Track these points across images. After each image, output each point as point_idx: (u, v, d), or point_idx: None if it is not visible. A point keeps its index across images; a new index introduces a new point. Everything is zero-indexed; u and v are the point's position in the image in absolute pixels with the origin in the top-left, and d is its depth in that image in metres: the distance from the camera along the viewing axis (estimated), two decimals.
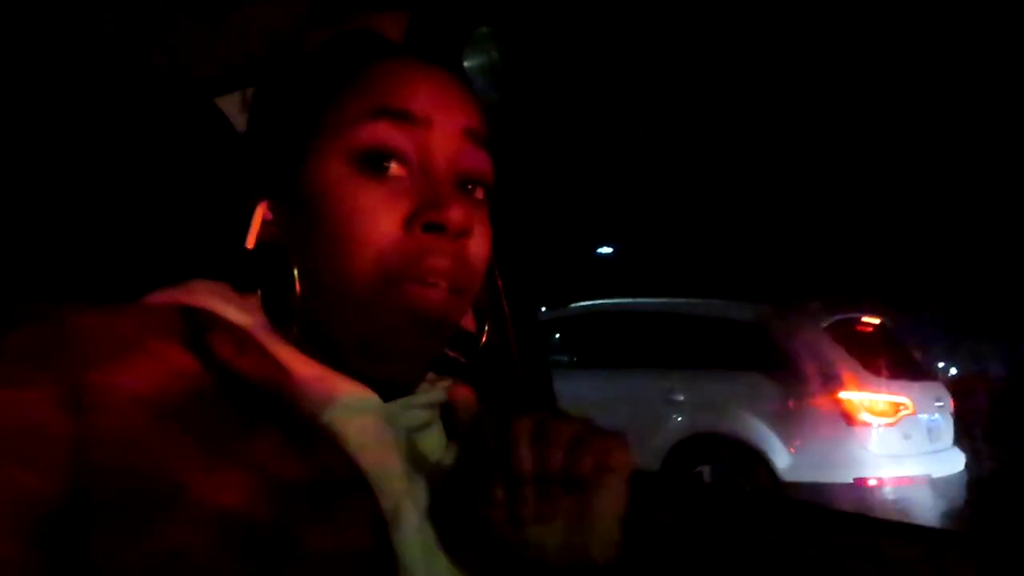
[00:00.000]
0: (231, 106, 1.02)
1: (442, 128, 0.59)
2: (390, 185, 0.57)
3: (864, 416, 4.58)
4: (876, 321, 5.34)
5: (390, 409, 0.60)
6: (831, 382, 4.64)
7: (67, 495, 0.46)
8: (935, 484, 4.84)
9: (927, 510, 4.67)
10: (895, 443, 4.65)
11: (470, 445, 0.57)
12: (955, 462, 5.12)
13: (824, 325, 4.91)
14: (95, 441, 0.47)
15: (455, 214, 0.56)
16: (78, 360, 0.50)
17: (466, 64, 1.08)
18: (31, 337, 0.51)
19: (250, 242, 0.60)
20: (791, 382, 4.73)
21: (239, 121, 0.77)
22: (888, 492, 4.59)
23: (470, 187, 0.61)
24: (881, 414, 4.63)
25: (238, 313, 0.59)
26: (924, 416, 4.89)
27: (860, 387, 4.66)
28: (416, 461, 0.60)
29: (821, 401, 4.66)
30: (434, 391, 0.65)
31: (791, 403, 4.71)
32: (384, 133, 0.57)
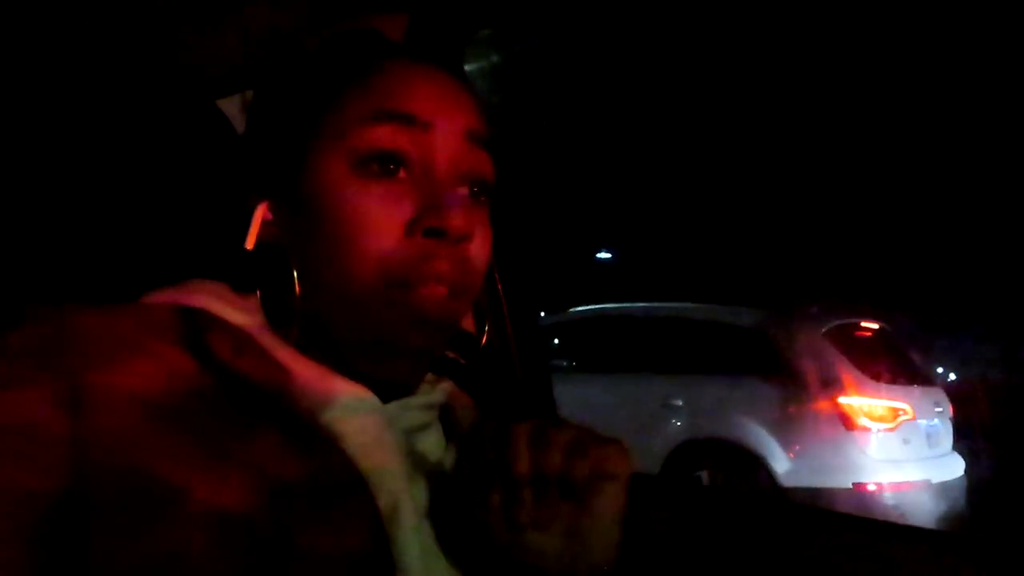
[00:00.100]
0: (232, 107, 1.02)
1: (444, 130, 0.59)
2: (392, 187, 0.57)
3: (863, 421, 4.58)
4: (875, 326, 5.34)
5: (389, 410, 0.60)
6: (830, 387, 4.64)
7: (66, 495, 0.46)
8: (934, 489, 4.84)
9: (926, 515, 4.66)
10: (894, 448, 4.65)
11: (469, 450, 0.57)
12: (954, 467, 5.12)
13: (823, 330, 4.91)
14: (94, 441, 0.47)
15: (457, 219, 0.56)
16: (77, 360, 0.50)
17: (467, 67, 1.08)
18: (30, 337, 0.51)
19: (250, 242, 0.60)
20: (790, 387, 4.72)
21: (239, 122, 0.77)
22: (887, 497, 4.59)
23: (471, 189, 0.61)
24: (880, 419, 4.63)
25: (237, 313, 0.59)
26: (923, 421, 4.89)
27: (859, 392, 4.66)
28: (415, 462, 0.60)
29: (820, 406, 4.66)
30: (433, 392, 0.65)
31: (790, 408, 4.71)
32: (386, 135, 0.57)
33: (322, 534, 0.51)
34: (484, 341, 0.69)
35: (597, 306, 6.26)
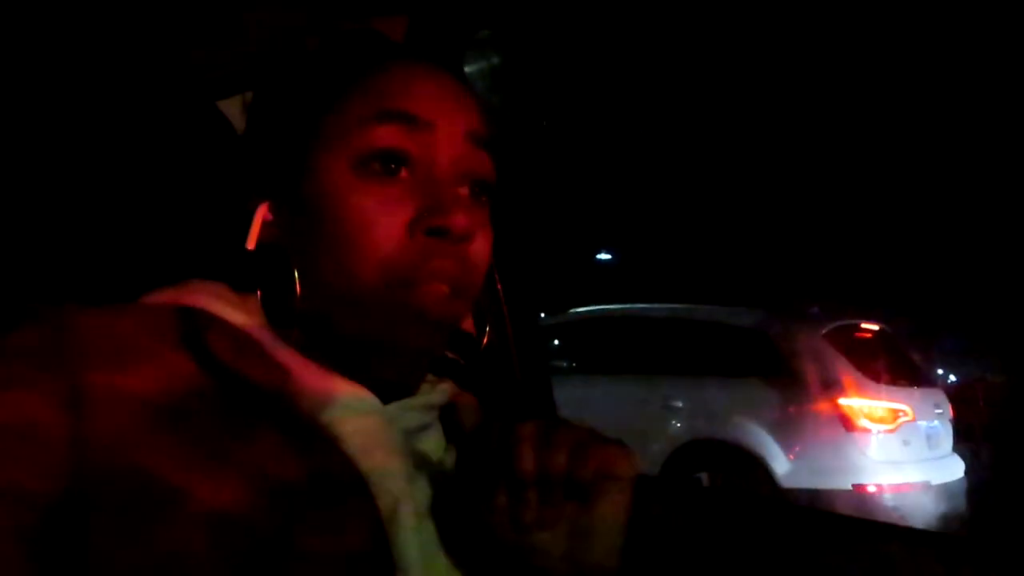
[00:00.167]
0: (232, 108, 1.02)
1: (446, 131, 0.59)
2: (394, 188, 0.57)
3: (863, 422, 4.58)
4: (876, 327, 5.34)
5: (389, 410, 0.60)
6: (830, 388, 4.64)
7: (66, 496, 0.46)
8: (934, 491, 4.84)
9: (926, 517, 4.66)
10: (894, 449, 4.64)
11: (473, 450, 0.57)
12: (954, 469, 5.12)
13: (824, 331, 4.91)
14: (94, 442, 0.47)
15: (458, 219, 0.56)
16: (78, 360, 0.50)
17: (467, 68, 1.08)
18: (31, 337, 0.51)
19: (251, 243, 0.60)
20: (790, 388, 4.72)
21: (240, 123, 0.77)
22: (887, 498, 4.58)
23: (472, 190, 0.61)
24: (880, 420, 4.63)
25: (237, 314, 0.59)
26: (923, 423, 4.89)
27: (859, 393, 4.65)
28: (415, 462, 0.60)
29: (820, 407, 4.65)
30: (434, 393, 0.65)
31: (790, 409, 4.71)
32: (389, 136, 0.57)
33: (322, 534, 0.51)
34: (485, 342, 0.69)
35: (597, 307, 6.26)
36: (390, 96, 0.58)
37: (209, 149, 0.76)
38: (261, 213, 0.61)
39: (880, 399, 4.70)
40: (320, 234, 0.57)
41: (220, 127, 0.78)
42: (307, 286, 0.58)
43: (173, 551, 0.47)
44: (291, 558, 0.49)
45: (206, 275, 0.63)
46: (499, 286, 1.07)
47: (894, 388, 4.84)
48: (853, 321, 5.25)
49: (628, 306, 6.02)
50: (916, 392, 5.03)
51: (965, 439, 5.72)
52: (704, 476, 4.84)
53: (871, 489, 4.53)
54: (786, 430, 4.67)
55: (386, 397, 0.60)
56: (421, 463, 0.61)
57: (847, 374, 4.70)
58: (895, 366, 5.16)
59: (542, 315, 6.01)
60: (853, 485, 4.51)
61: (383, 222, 0.56)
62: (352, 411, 0.57)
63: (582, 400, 4.95)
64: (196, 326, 0.56)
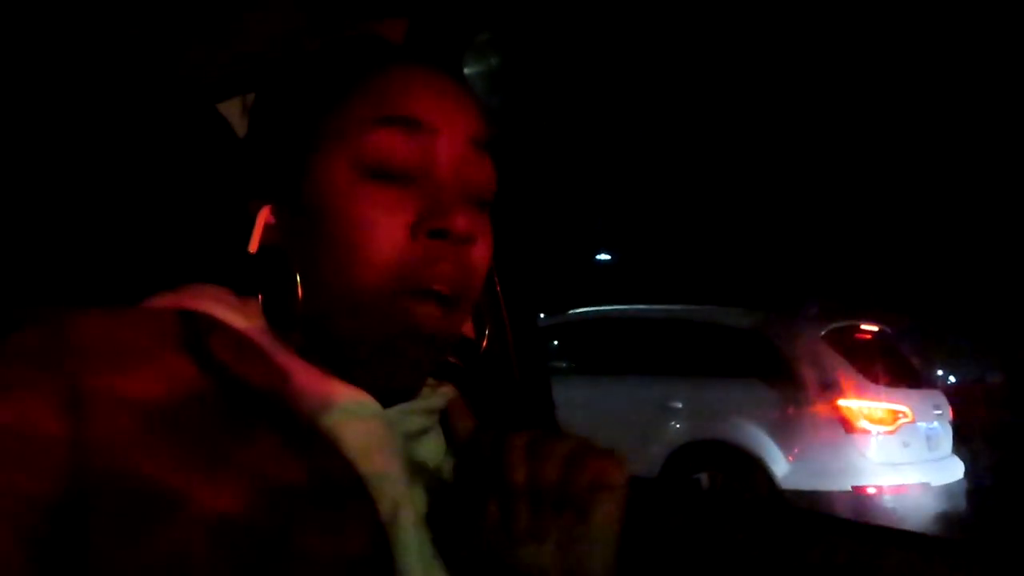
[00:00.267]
0: (231, 111, 1.02)
1: (448, 136, 0.59)
2: (396, 192, 0.57)
3: (863, 424, 4.58)
4: (875, 329, 5.34)
5: (389, 414, 0.60)
6: (830, 389, 4.64)
7: (66, 498, 0.46)
8: (934, 492, 4.84)
9: (925, 518, 4.66)
10: (894, 451, 4.65)
11: (467, 459, 0.57)
12: (954, 470, 5.12)
13: (823, 332, 4.92)
14: (94, 445, 0.47)
15: (460, 221, 0.56)
16: (78, 363, 0.50)
17: (466, 70, 1.08)
18: (31, 340, 0.51)
19: (253, 246, 0.60)
20: (790, 389, 4.72)
21: (240, 126, 0.77)
22: (887, 500, 4.59)
23: (474, 194, 0.61)
24: (880, 422, 4.63)
25: (238, 317, 0.59)
26: (923, 424, 4.89)
27: (859, 395, 4.66)
28: (415, 466, 0.60)
29: (820, 408, 4.66)
30: (434, 397, 0.65)
31: (789, 410, 4.71)
32: (391, 141, 0.57)
33: (322, 538, 0.51)
34: (484, 345, 0.69)
35: (596, 308, 6.27)
36: (392, 100, 0.58)
37: (208, 152, 0.76)
38: (263, 216, 0.60)
39: (879, 400, 4.71)
40: (322, 237, 0.57)
41: (220, 129, 0.78)
42: (308, 289, 0.58)
43: (173, 553, 0.47)
44: (291, 561, 0.49)
45: (207, 279, 0.63)
46: (498, 288, 1.07)
47: (893, 389, 4.84)
48: (852, 322, 5.25)
49: (627, 307, 6.03)
50: (916, 393, 5.04)
51: (965, 440, 5.72)
52: (703, 477, 4.84)
53: (870, 491, 4.53)
54: (785, 431, 4.68)
55: (387, 401, 0.60)
56: (421, 467, 0.61)
57: (846, 375, 4.70)
58: (894, 367, 5.16)
59: (541, 316, 6.01)
60: (852, 487, 4.52)
61: (385, 225, 0.56)
62: (352, 415, 0.57)
63: (581, 401, 4.96)
64: (197, 329, 0.56)
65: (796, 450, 4.64)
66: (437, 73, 0.61)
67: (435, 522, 0.59)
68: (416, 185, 0.58)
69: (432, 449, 0.63)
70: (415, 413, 0.63)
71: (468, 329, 0.65)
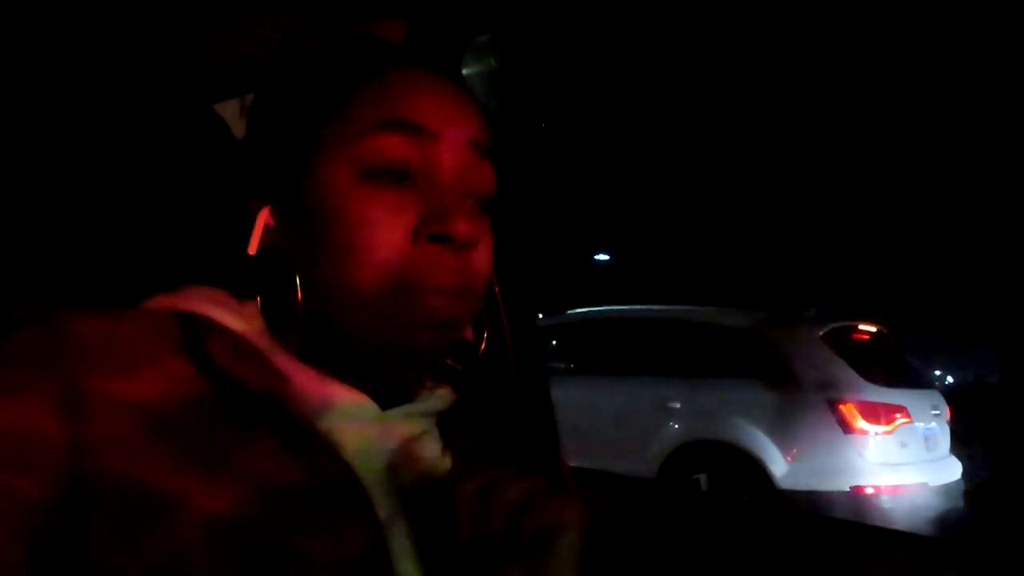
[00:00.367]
0: (229, 111, 1.02)
1: (450, 140, 0.59)
2: (397, 195, 0.57)
3: (861, 424, 4.58)
4: (873, 329, 5.35)
5: (387, 417, 0.60)
6: (828, 390, 4.64)
7: (65, 500, 0.46)
8: (932, 492, 4.85)
9: (923, 519, 4.67)
10: (892, 451, 4.65)
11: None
12: (952, 470, 5.13)
13: (821, 333, 4.92)
14: (93, 447, 0.47)
15: (462, 226, 0.56)
16: (77, 365, 0.50)
17: (465, 72, 1.08)
18: (30, 341, 0.51)
19: (252, 247, 0.60)
20: (788, 390, 4.73)
21: (237, 127, 0.77)
22: (885, 500, 4.59)
23: (475, 199, 0.61)
24: (878, 422, 4.63)
25: (236, 319, 0.59)
26: (921, 424, 4.90)
27: (857, 395, 4.66)
28: (413, 469, 0.60)
29: (818, 409, 4.66)
30: (432, 399, 0.65)
31: (788, 411, 4.71)
32: (393, 145, 0.57)
33: (320, 540, 0.51)
34: (483, 348, 0.69)
35: (595, 308, 6.27)
36: (393, 104, 0.58)
37: (206, 153, 0.76)
38: (263, 218, 0.60)
39: (878, 401, 4.71)
40: (323, 240, 0.57)
41: (218, 130, 0.78)
42: (308, 291, 0.58)
43: (172, 554, 0.47)
44: (289, 563, 0.50)
45: (204, 280, 0.62)
46: (496, 290, 1.07)
47: (892, 390, 4.85)
48: (850, 322, 5.26)
49: (625, 307, 6.03)
50: (914, 394, 5.04)
51: (963, 441, 5.72)
52: (702, 478, 4.85)
53: (869, 491, 4.54)
54: (784, 432, 4.68)
55: (385, 403, 0.60)
56: (419, 470, 0.61)
57: (845, 375, 4.71)
58: (893, 367, 5.17)
59: (540, 316, 6.02)
60: (851, 487, 4.52)
61: (386, 227, 0.56)
62: (351, 417, 0.57)
63: (580, 402, 4.97)
64: (195, 331, 0.56)
65: (794, 450, 4.65)
66: (438, 76, 0.61)
67: (432, 525, 0.59)
68: (417, 189, 0.57)
69: (430, 451, 0.63)
70: (413, 416, 0.63)
71: (466, 332, 0.65)
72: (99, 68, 0.85)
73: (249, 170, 0.64)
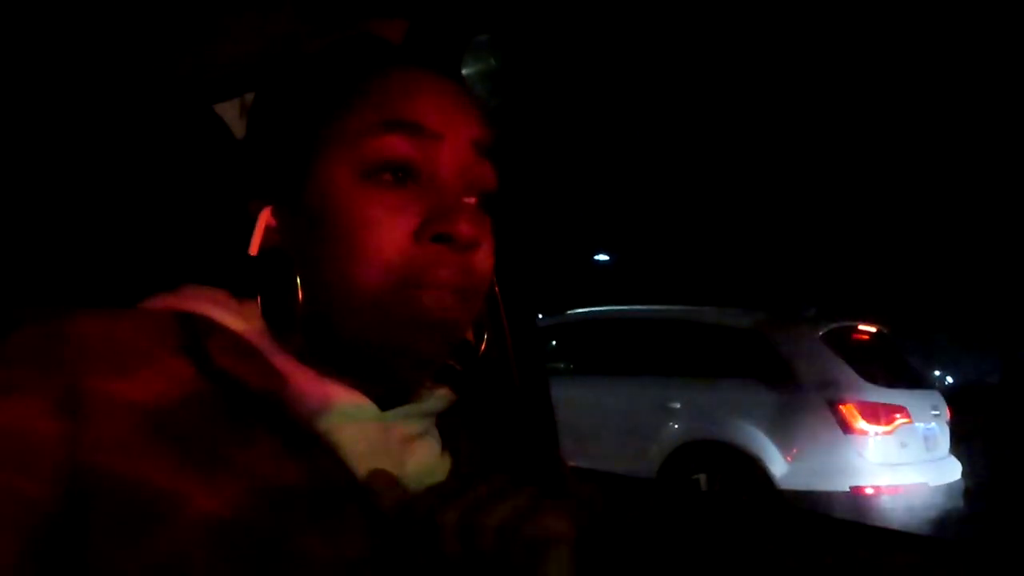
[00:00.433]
0: (229, 111, 1.02)
1: (452, 141, 0.59)
2: (400, 196, 0.57)
3: (861, 424, 4.59)
4: (873, 329, 5.35)
5: (387, 417, 0.60)
6: (828, 390, 4.65)
7: (65, 500, 0.46)
8: (931, 493, 4.85)
9: (923, 519, 4.67)
10: (892, 451, 4.65)
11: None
12: (951, 471, 5.13)
13: (821, 333, 4.92)
14: (92, 447, 0.47)
15: (464, 226, 0.56)
16: (77, 364, 0.50)
17: (464, 71, 1.08)
18: (30, 341, 0.51)
19: (254, 248, 0.60)
20: (788, 390, 4.73)
21: (237, 127, 0.77)
22: (884, 500, 4.59)
23: (476, 199, 0.61)
24: (878, 422, 4.63)
25: (236, 320, 0.59)
26: (921, 425, 4.90)
27: (857, 395, 4.66)
28: (412, 470, 0.60)
29: (818, 409, 4.66)
30: (431, 400, 0.65)
31: (788, 411, 4.71)
32: (396, 145, 0.57)
33: (320, 541, 0.51)
34: (483, 349, 0.69)
35: (595, 309, 6.27)
36: (395, 104, 0.58)
37: (206, 153, 0.76)
38: (264, 218, 0.60)
39: (878, 401, 4.71)
40: (324, 240, 0.57)
41: (218, 130, 0.78)
42: (309, 291, 0.58)
43: (172, 554, 0.47)
44: (288, 564, 0.50)
45: (204, 280, 0.62)
46: (497, 290, 1.07)
47: (892, 390, 4.85)
48: (850, 323, 5.26)
49: (625, 308, 6.03)
50: (914, 394, 5.04)
51: (963, 441, 5.72)
52: (702, 478, 4.85)
53: (868, 491, 4.54)
54: (783, 432, 4.68)
55: (385, 404, 0.60)
56: (418, 471, 0.61)
57: (844, 376, 4.71)
58: (892, 368, 5.17)
59: (540, 316, 6.02)
60: (850, 487, 4.52)
61: (388, 226, 0.56)
62: (350, 418, 0.57)
63: (580, 402, 4.97)
64: (195, 332, 0.56)
65: (794, 450, 4.65)
66: (441, 78, 0.61)
67: (430, 525, 0.59)
68: (419, 189, 0.57)
69: (429, 452, 0.63)
70: (412, 416, 0.62)
71: (467, 332, 0.65)
72: (99, 68, 0.85)
73: (250, 170, 0.64)
